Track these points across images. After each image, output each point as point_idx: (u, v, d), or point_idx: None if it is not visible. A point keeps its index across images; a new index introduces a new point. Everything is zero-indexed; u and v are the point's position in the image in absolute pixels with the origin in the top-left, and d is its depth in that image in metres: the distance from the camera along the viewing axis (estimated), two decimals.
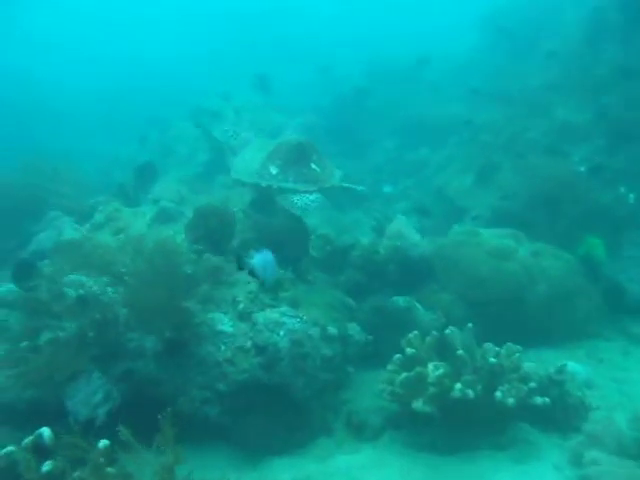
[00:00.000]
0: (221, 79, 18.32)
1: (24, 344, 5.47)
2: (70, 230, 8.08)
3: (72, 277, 5.85)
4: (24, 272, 7.03)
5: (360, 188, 7.12)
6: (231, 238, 6.83)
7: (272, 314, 5.98)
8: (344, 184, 6.85)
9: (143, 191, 9.37)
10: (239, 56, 23.18)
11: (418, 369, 5.90)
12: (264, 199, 8.15)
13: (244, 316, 6.03)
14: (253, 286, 6.35)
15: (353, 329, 6.78)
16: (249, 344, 5.77)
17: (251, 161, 6.74)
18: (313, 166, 6.57)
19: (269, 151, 6.66)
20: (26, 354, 5.38)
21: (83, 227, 8.36)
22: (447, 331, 6.18)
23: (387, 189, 13.39)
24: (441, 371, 5.76)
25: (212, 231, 6.45)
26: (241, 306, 6.08)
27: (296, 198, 6.57)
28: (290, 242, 6.96)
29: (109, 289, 5.88)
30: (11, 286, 6.99)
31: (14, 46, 27.20)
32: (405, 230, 8.48)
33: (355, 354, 6.71)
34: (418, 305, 7.69)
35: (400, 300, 7.58)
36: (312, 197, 6.57)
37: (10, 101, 20.59)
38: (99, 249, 5.96)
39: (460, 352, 5.89)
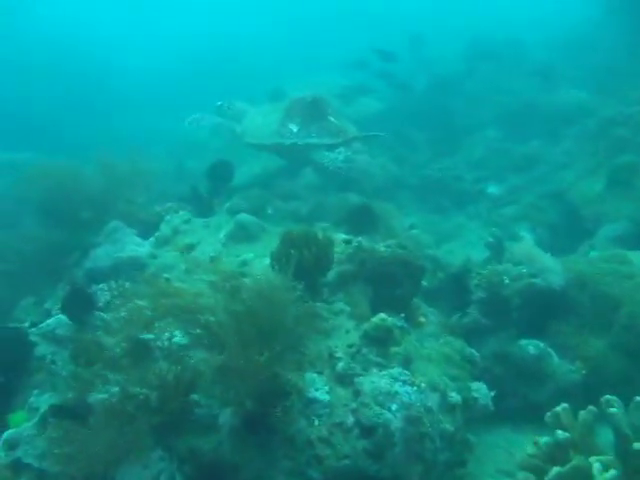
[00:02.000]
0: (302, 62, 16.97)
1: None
2: (132, 245, 7.02)
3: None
4: (78, 301, 6.02)
5: (382, 134, 7.08)
6: (327, 271, 5.54)
7: (381, 380, 4.67)
8: (365, 133, 6.82)
9: (218, 195, 8.18)
10: (311, 41, 21.87)
11: (575, 462, 4.41)
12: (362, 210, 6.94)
13: (344, 379, 4.77)
14: (355, 336, 5.06)
15: (478, 390, 5.40)
16: (351, 420, 4.50)
17: (265, 124, 6.66)
18: (332, 119, 6.56)
19: (284, 110, 6.56)
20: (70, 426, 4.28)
21: (147, 241, 7.25)
22: (612, 409, 4.63)
23: (492, 189, 11.74)
24: (612, 474, 4.25)
25: (305, 264, 5.16)
26: (340, 365, 4.82)
27: (326, 161, 6.54)
28: (401, 276, 5.60)
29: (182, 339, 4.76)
30: (62, 317, 6.00)
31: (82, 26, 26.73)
32: (535, 253, 6.93)
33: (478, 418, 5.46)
34: (552, 352, 6.21)
35: (530, 346, 6.13)
36: (342, 157, 6.53)
37: (81, 86, 20.13)
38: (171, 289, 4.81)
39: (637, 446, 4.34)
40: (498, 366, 6.18)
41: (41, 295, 7.25)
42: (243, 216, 6.93)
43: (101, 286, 6.57)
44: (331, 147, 6.69)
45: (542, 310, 6.58)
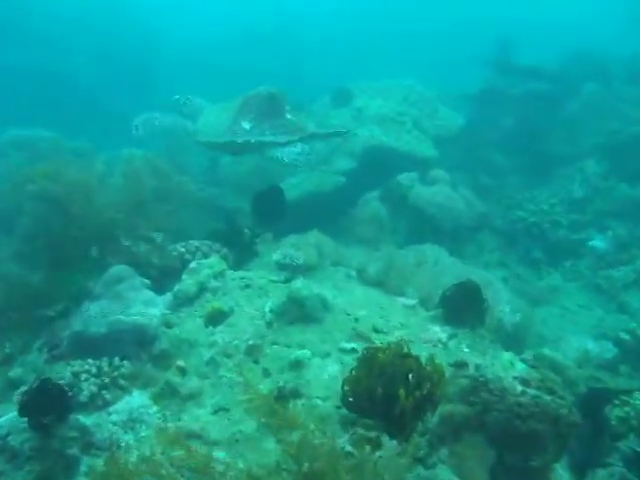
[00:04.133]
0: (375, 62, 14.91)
1: None
2: (139, 305, 5.11)
3: None
4: (45, 400, 4.13)
5: (344, 131, 7.02)
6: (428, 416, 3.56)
7: None
8: (326, 130, 6.72)
9: (265, 232, 6.24)
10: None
11: None
12: None
13: None
14: None
15: None
16: None
17: (218, 122, 6.40)
18: (288, 116, 6.27)
19: (238, 107, 6.33)
20: None
21: (162, 297, 5.32)
22: None
23: (597, 242, 9.54)
24: None
25: (395, 408, 3.24)
26: None
27: (281, 154, 6.12)
28: (545, 438, 3.58)
29: None
30: (18, 419, 4.14)
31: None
32: None
33: None
34: None
35: None
36: (298, 149, 6.19)
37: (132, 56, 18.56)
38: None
39: None
40: None
41: (7, 353, 5.39)
42: (300, 287, 4.96)
43: (86, 367, 4.66)
44: (286, 145, 6.22)
45: None
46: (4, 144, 11.50)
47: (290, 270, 5.74)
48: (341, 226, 9.16)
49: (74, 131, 12.65)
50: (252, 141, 6.07)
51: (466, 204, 9.09)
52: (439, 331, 4.89)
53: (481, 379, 3.77)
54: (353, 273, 6.39)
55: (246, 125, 6.17)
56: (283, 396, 4.04)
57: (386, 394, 3.50)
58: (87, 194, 5.75)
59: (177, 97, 7.07)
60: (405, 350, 3.70)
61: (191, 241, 6.07)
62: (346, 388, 3.69)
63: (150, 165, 6.95)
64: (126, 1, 23.21)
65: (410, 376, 3.50)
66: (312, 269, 5.94)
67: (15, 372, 5.15)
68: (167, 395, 4.49)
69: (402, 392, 3.41)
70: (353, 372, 3.72)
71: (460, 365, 4.10)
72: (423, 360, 3.63)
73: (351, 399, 3.67)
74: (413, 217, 8.76)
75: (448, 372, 3.89)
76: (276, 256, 5.77)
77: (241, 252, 6.17)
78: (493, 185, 11.05)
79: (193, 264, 5.56)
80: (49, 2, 20.52)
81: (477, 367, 3.98)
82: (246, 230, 6.33)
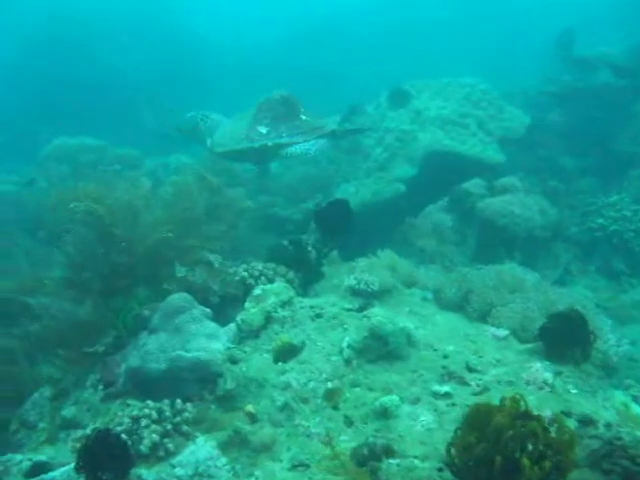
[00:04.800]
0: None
1: None
2: (201, 339, 4.64)
3: None
4: (103, 453, 3.68)
5: (366, 127, 7.31)
6: None
7: None
8: (347, 127, 6.67)
9: (330, 250, 5.72)
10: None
11: None
12: None
13: None
14: None
15: None
16: None
17: (234, 132, 6.45)
18: (303, 117, 6.30)
19: (253, 114, 6.40)
20: None
21: (224, 329, 4.84)
22: None
23: None
24: None
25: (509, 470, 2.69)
26: None
27: (292, 148, 6.10)
28: None
29: None
30: (70, 471, 3.73)
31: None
32: None
33: None
34: None
35: None
36: (311, 142, 6.10)
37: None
38: None
39: None
40: None
41: (59, 387, 5.00)
42: (382, 320, 4.39)
43: (146, 411, 4.19)
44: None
45: None
46: (49, 153, 11.28)
47: (364, 296, 5.20)
48: (400, 237, 8.59)
49: (120, 138, 12.40)
50: (269, 144, 6.07)
51: (539, 212, 8.39)
52: (542, 369, 4.27)
53: (617, 442, 3.15)
54: (429, 295, 5.80)
55: (263, 129, 6.20)
56: (374, 454, 3.49)
57: (506, 463, 2.93)
58: (134, 215, 5.31)
59: (192, 114, 7.09)
60: (523, 407, 3.12)
61: (253, 263, 5.57)
62: (453, 452, 3.13)
63: (200, 177, 6.51)
64: (170, 6, 23.00)
65: (533, 443, 2.92)
66: (386, 292, 5.37)
67: (69, 411, 4.76)
68: (236, 445, 3.99)
69: (526, 462, 2.83)
70: (459, 432, 3.16)
71: (585, 422, 3.48)
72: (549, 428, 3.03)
73: (461, 466, 3.10)
74: (482, 228, 8.10)
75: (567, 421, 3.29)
76: (349, 281, 5.23)
77: (306, 274, 5.62)
78: (562, 189, 10.29)
79: (257, 290, 5.06)
80: (96, 12, 20.45)
81: (608, 426, 3.36)
82: (310, 248, 5.79)
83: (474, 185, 8.36)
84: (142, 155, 12.57)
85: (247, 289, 5.25)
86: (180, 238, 5.49)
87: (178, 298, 4.82)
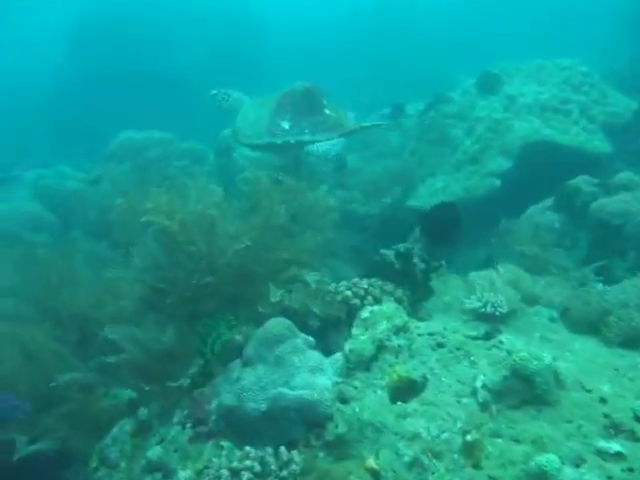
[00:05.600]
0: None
1: None
2: (305, 374, 4.00)
3: None
4: None
5: (383, 123, 6.91)
6: None
7: None
8: (365, 124, 6.53)
9: (437, 261, 5.02)
10: None
11: None
12: None
13: None
14: None
15: None
16: None
17: (257, 120, 6.29)
18: (327, 112, 6.13)
19: (274, 104, 6.21)
20: None
21: (330, 360, 4.19)
22: None
23: None
24: None
25: None
26: None
27: (314, 147, 5.99)
28: None
29: None
30: None
31: None
32: None
33: None
34: None
35: None
36: (332, 142, 5.98)
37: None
38: None
39: None
40: None
41: (142, 420, 4.47)
42: (526, 356, 3.65)
43: (247, 462, 3.59)
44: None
45: None
46: (115, 149, 10.91)
47: (490, 320, 4.46)
48: (497, 241, 7.74)
49: (185, 132, 11.95)
50: (292, 141, 6.03)
51: None
52: None
53: None
54: (555, 314, 5.02)
55: (285, 125, 6.13)
56: None
57: None
58: (211, 228, 4.67)
59: (214, 92, 6.92)
60: None
61: (355, 279, 4.88)
62: None
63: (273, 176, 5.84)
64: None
65: None
66: (511, 314, 4.63)
67: (154, 452, 4.18)
68: None
69: None
70: None
71: None
72: None
73: None
74: (595, 230, 7.20)
75: None
76: (473, 304, 4.49)
77: (414, 290, 4.92)
78: None
79: (365, 313, 4.38)
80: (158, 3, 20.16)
81: None
82: (416, 260, 5.07)
83: (584, 181, 7.44)
84: (206, 149, 12.10)
85: (352, 310, 4.57)
86: (267, 251, 4.86)
87: (278, 325, 4.18)
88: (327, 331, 4.56)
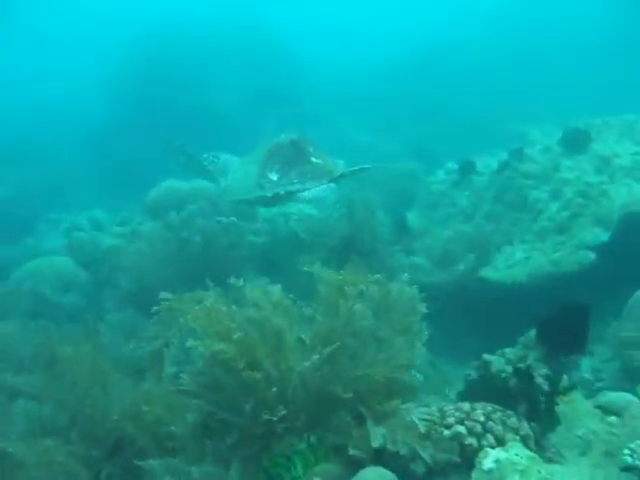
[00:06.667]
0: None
1: None
2: None
3: None
4: None
5: (367, 166, 6.42)
6: None
7: None
8: (352, 169, 6.35)
9: (559, 375, 3.96)
10: None
11: None
12: None
13: None
14: None
15: None
16: None
17: (245, 176, 6.45)
18: (314, 160, 6.22)
19: (262, 159, 6.34)
20: None
21: None
22: None
23: None
24: None
25: None
26: None
27: (305, 194, 6.06)
28: None
29: None
30: None
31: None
32: None
33: None
34: None
35: None
36: (322, 187, 6.01)
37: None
38: None
39: None
40: None
41: None
42: None
43: None
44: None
45: None
46: (156, 199, 10.15)
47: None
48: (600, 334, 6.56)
49: None
50: (282, 192, 6.05)
51: None
52: None
53: None
54: None
55: (273, 176, 6.17)
56: None
57: None
58: (279, 342, 3.68)
59: (205, 155, 6.89)
60: None
61: (464, 405, 3.80)
62: None
63: None
64: (270, 27, 22.13)
65: None
66: None
67: None
68: None
69: None
70: None
71: None
72: None
73: None
74: None
75: None
76: (629, 459, 3.39)
77: (534, 418, 3.86)
78: None
79: (489, 463, 3.30)
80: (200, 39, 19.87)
81: None
82: (536, 375, 4.01)
83: None
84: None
85: (464, 451, 3.53)
86: (352, 365, 3.83)
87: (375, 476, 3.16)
88: (434, 478, 3.51)
